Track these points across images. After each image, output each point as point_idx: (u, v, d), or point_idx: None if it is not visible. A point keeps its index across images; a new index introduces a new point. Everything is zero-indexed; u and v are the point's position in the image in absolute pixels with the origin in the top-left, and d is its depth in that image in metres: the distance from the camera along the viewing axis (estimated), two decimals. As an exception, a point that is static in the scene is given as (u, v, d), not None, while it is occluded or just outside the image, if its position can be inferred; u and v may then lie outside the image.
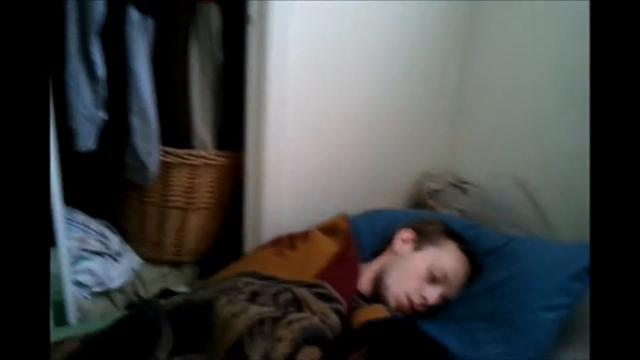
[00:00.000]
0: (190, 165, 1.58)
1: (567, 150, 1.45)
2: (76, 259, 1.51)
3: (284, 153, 1.52)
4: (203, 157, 1.59)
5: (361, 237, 1.48)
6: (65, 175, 1.34)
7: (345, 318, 1.09)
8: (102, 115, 1.39)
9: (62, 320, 1.42)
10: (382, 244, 1.40)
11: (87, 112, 1.35)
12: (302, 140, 1.53)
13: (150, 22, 1.43)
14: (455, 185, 1.75)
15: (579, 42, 1.27)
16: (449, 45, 1.69)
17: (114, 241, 1.63)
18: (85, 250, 1.55)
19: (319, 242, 1.35)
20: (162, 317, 0.97)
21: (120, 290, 1.67)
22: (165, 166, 1.56)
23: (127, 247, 1.68)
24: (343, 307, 1.10)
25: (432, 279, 1.22)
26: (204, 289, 1.19)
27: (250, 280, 1.14)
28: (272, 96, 1.42)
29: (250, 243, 1.62)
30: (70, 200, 1.54)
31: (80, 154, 1.41)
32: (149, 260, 1.75)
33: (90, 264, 1.54)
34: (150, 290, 1.74)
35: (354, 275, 1.25)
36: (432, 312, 1.22)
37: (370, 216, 1.59)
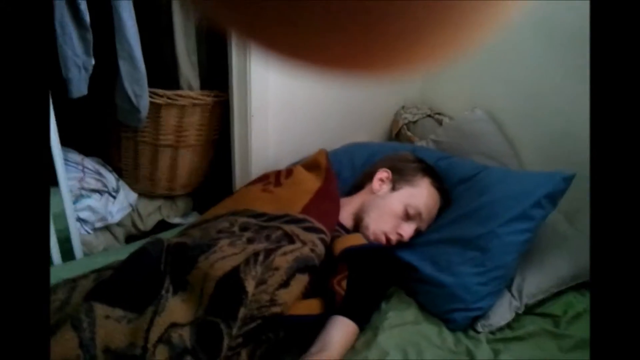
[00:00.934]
0: (179, 105, 1.65)
1: (534, 85, 1.54)
2: (77, 198, 1.60)
3: (268, 92, 1.58)
4: (190, 97, 1.65)
5: (341, 171, 1.60)
6: (59, 118, 1.41)
7: (328, 247, 1.22)
8: (92, 61, 1.44)
9: (69, 255, 1.53)
10: (361, 179, 1.51)
11: (79, 59, 1.39)
12: (285, 80, 1.60)
13: (131, -35, 1.45)
14: (430, 117, 1.84)
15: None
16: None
17: (110, 179, 1.72)
18: (84, 188, 1.64)
19: (302, 179, 1.44)
20: (165, 256, 1.06)
21: (120, 224, 1.78)
22: (155, 107, 1.62)
23: (123, 184, 1.77)
24: (327, 237, 1.22)
25: (407, 217, 1.35)
26: (200, 226, 1.30)
27: (244, 219, 1.25)
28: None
29: (239, 177, 1.72)
30: (65, 142, 1.61)
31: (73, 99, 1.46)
32: (144, 195, 1.85)
33: (90, 202, 1.63)
34: (147, 222, 1.86)
35: (336, 209, 1.36)
36: (406, 242, 1.36)
37: (349, 150, 1.69)
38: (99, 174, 1.70)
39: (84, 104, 1.58)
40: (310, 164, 1.52)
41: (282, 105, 1.64)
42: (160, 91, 1.60)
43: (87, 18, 1.39)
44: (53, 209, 1.45)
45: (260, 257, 1.05)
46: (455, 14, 0.22)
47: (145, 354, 0.85)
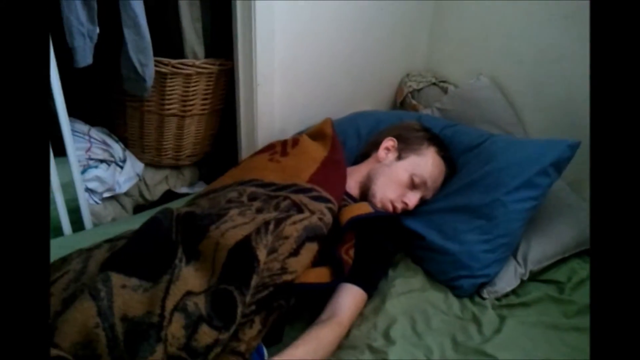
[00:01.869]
0: (184, 74, 1.64)
1: (540, 52, 1.54)
2: (84, 168, 1.61)
3: (273, 60, 1.58)
4: (195, 65, 1.65)
5: (347, 140, 1.60)
6: (66, 88, 1.41)
7: (336, 215, 1.23)
8: (97, 29, 1.43)
9: (78, 225, 1.55)
10: (367, 147, 1.52)
11: (84, 28, 1.37)
12: (290, 48, 1.59)
13: None
14: (435, 85, 1.84)
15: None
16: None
17: (117, 149, 1.72)
18: (91, 159, 1.64)
19: (308, 148, 1.44)
20: (175, 225, 1.07)
21: (127, 194, 1.79)
22: (161, 76, 1.61)
23: (130, 154, 1.77)
24: (335, 206, 1.23)
25: (413, 185, 1.36)
26: (208, 196, 1.31)
27: (252, 189, 1.26)
28: (259, 4, 1.46)
29: (245, 146, 1.73)
30: (71, 112, 1.61)
31: (78, 68, 1.46)
32: (150, 164, 1.85)
33: (98, 172, 1.64)
34: (154, 192, 1.87)
35: (342, 177, 1.37)
36: (411, 210, 1.37)
37: (354, 118, 1.69)
38: (106, 144, 1.70)
39: (89, 74, 1.57)
40: (316, 133, 1.52)
41: (288, 74, 1.64)
42: (165, 60, 1.60)
43: (91, -15, 1.37)
44: (61, 179, 1.46)
45: (271, 226, 1.07)
46: None
47: (162, 322, 0.86)
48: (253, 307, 0.99)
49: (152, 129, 1.75)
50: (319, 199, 1.22)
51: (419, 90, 1.88)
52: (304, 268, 1.08)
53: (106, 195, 1.70)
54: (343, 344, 1.08)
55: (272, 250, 1.05)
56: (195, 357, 0.87)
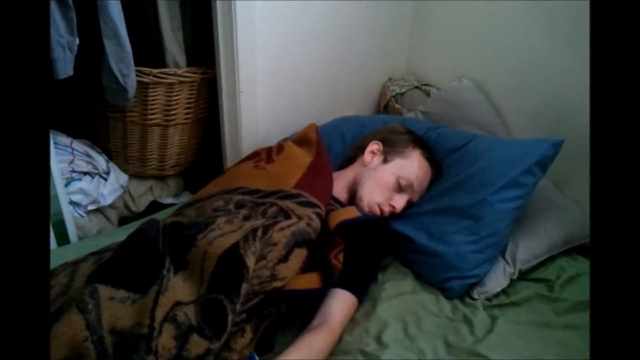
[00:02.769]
0: (166, 83, 1.63)
1: (521, 53, 1.55)
2: (67, 181, 1.59)
3: (255, 68, 1.58)
4: (177, 74, 1.64)
5: (332, 145, 1.60)
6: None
7: (323, 220, 1.22)
8: (76, 40, 1.41)
9: (63, 238, 1.53)
10: (352, 152, 1.52)
11: (63, 39, 1.36)
12: (272, 55, 1.59)
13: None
14: (418, 88, 1.85)
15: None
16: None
17: (100, 160, 1.71)
18: (74, 171, 1.62)
19: (293, 154, 1.44)
20: (162, 236, 1.06)
21: (112, 206, 1.77)
22: (143, 86, 1.60)
23: (113, 165, 1.75)
24: (322, 211, 1.23)
25: (399, 188, 1.37)
26: (194, 205, 1.30)
27: (239, 197, 1.25)
28: (240, 12, 1.46)
29: (229, 154, 1.72)
30: (53, 124, 1.59)
31: (59, 80, 1.44)
32: (134, 176, 1.84)
33: (81, 184, 1.62)
34: (139, 203, 1.85)
35: (329, 182, 1.37)
36: (399, 213, 1.37)
37: (339, 123, 1.70)
38: (89, 156, 1.68)
39: (70, 85, 1.56)
40: (301, 139, 1.52)
41: (270, 81, 1.64)
42: (146, 69, 1.59)
43: (70, -3, 1.36)
44: (44, 193, 1.44)
45: (259, 233, 1.06)
46: None
47: (152, 333, 0.85)
48: (244, 316, 0.98)
49: (136, 140, 1.73)
50: (306, 204, 1.21)
51: (402, 94, 1.88)
52: (293, 274, 1.07)
53: (91, 207, 1.67)
54: (335, 350, 1.08)
55: (261, 257, 1.04)
56: (187, 368, 0.86)
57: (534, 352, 1.08)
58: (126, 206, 1.82)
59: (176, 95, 1.68)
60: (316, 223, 1.17)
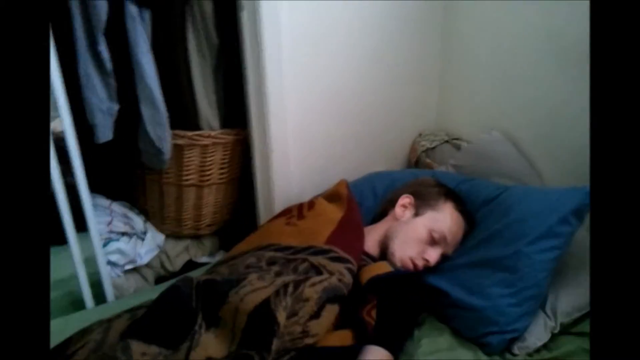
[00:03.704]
0: (201, 145, 1.68)
1: (549, 102, 1.55)
2: (106, 241, 1.63)
3: (287, 126, 1.61)
4: (211, 136, 1.69)
5: (363, 200, 1.60)
6: (87, 164, 1.45)
7: (355, 276, 1.21)
8: (115, 106, 1.49)
9: (101, 298, 1.55)
10: (384, 206, 1.52)
11: (104, 105, 1.44)
12: (302, 114, 1.63)
13: (147, 14, 1.50)
14: (448, 142, 1.85)
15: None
16: (430, 10, 1.78)
17: (137, 221, 1.75)
18: (112, 232, 1.67)
19: (324, 210, 1.45)
20: (195, 293, 1.08)
21: (149, 265, 1.80)
22: (178, 148, 1.66)
23: (150, 226, 1.80)
24: (354, 266, 1.22)
25: (433, 241, 1.35)
26: (227, 263, 1.31)
27: (270, 253, 1.26)
28: (269, 74, 1.51)
29: (263, 213, 1.74)
30: (93, 187, 1.65)
31: (99, 144, 1.51)
32: (170, 235, 1.87)
33: (119, 244, 1.66)
34: (175, 263, 1.87)
35: (360, 237, 1.36)
36: (433, 267, 1.35)
37: (370, 179, 1.70)
38: (127, 217, 1.73)
39: (109, 149, 1.62)
40: (332, 195, 1.53)
41: (302, 140, 1.67)
42: (181, 132, 1.64)
43: (109, 65, 1.44)
44: (84, 253, 1.48)
45: (290, 288, 1.06)
46: None
47: (183, 390, 0.85)
48: (276, 373, 0.96)
49: (172, 201, 1.77)
50: (337, 259, 1.21)
51: (432, 149, 1.89)
52: (325, 330, 1.06)
53: (128, 267, 1.71)
54: (371, 409, 1.04)
55: (292, 314, 1.03)
56: None
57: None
58: (162, 266, 1.84)
59: (210, 157, 1.73)
60: (348, 278, 1.16)
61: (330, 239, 1.30)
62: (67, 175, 1.44)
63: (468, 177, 1.62)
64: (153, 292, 1.45)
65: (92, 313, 1.39)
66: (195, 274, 1.38)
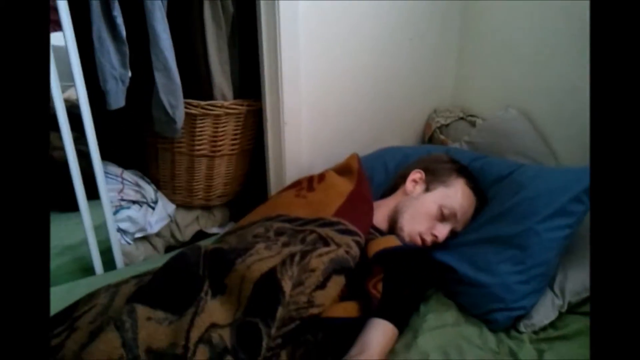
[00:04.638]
0: (214, 115, 1.68)
1: (567, 81, 1.52)
2: (116, 209, 1.64)
3: (300, 99, 1.60)
4: (224, 107, 1.68)
5: (374, 175, 1.60)
6: (99, 132, 1.45)
7: (362, 248, 1.21)
8: (128, 74, 1.48)
9: (110, 265, 1.57)
10: (394, 181, 1.51)
11: (116, 72, 1.43)
12: (316, 86, 1.61)
13: (164, -19, 1.49)
14: (463, 119, 1.83)
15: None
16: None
17: (149, 190, 1.76)
18: (123, 200, 1.68)
19: (334, 183, 1.44)
20: (202, 261, 1.08)
21: (159, 234, 1.81)
22: (191, 117, 1.65)
23: (161, 195, 1.80)
24: (362, 239, 1.21)
25: (442, 217, 1.34)
26: (236, 233, 1.31)
27: (279, 224, 1.25)
28: (285, 45, 1.50)
29: (274, 185, 1.74)
30: (105, 155, 1.65)
31: (110, 111, 1.51)
32: (181, 205, 1.88)
33: (130, 212, 1.67)
34: (185, 232, 1.89)
35: (369, 211, 1.35)
36: (441, 243, 1.34)
37: (382, 154, 1.69)
38: (138, 185, 1.74)
39: (121, 117, 1.62)
40: (343, 168, 1.52)
41: (314, 112, 1.66)
42: (194, 102, 1.64)
43: (124, 32, 1.44)
44: (95, 220, 1.49)
45: (297, 258, 1.06)
46: None
47: (187, 354, 0.86)
48: (279, 341, 0.97)
49: (183, 170, 1.78)
50: (345, 232, 1.20)
51: (447, 126, 1.87)
52: (331, 301, 1.06)
53: (138, 235, 1.72)
54: (374, 381, 1.05)
55: (298, 283, 1.03)
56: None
57: (584, 389, 1.03)
58: (172, 235, 1.85)
59: (223, 127, 1.72)
60: (355, 251, 1.16)
61: (339, 211, 1.29)
62: (80, 142, 1.45)
63: (481, 155, 1.60)
64: (162, 260, 1.44)
65: (100, 279, 1.40)
66: (204, 243, 1.39)
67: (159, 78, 1.53)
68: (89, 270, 1.53)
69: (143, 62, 1.50)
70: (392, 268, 1.22)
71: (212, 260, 1.08)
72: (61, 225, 1.63)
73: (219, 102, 1.68)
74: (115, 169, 1.72)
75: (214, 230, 1.95)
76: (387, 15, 1.66)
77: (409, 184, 1.42)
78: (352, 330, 1.11)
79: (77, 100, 1.37)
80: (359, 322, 1.12)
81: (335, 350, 1.09)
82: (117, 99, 1.46)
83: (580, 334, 1.18)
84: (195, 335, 0.89)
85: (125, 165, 1.80)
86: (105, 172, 1.61)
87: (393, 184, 1.50)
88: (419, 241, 1.33)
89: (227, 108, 1.69)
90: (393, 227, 1.37)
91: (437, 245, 1.34)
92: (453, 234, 1.35)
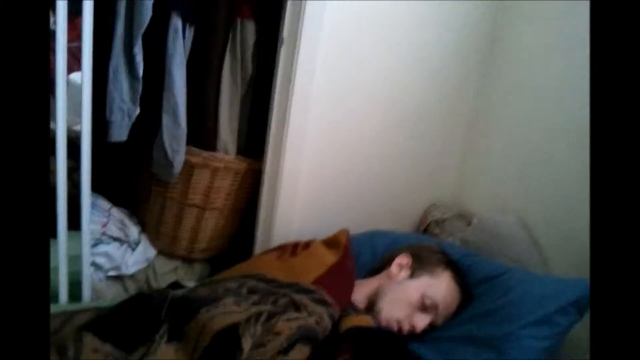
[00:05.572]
0: (213, 167, 1.67)
1: (570, 193, 1.51)
2: (97, 242, 1.60)
3: (301, 166, 1.60)
4: (225, 160, 1.68)
5: (362, 254, 1.56)
6: (95, 163, 1.44)
7: (335, 323, 1.16)
8: (137, 110, 1.49)
9: (77, 298, 1.51)
10: (380, 262, 1.47)
11: (125, 105, 1.44)
12: (319, 157, 1.63)
13: (191, 31, 1.54)
14: (461, 216, 1.81)
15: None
16: (462, 83, 1.79)
17: (133, 230, 1.72)
18: (105, 234, 1.64)
19: (318, 252, 1.40)
20: (167, 305, 1.04)
21: (133, 277, 1.75)
22: (189, 165, 1.65)
23: (144, 238, 1.77)
24: (336, 312, 1.17)
25: (423, 307, 1.29)
26: (210, 286, 1.27)
27: (253, 282, 1.21)
28: (295, 111, 1.52)
29: (259, 247, 1.70)
30: (97, 187, 1.64)
31: (110, 144, 1.50)
32: (163, 253, 1.83)
33: (108, 248, 1.63)
34: (161, 281, 1.82)
35: (349, 286, 1.31)
36: (417, 334, 1.28)
37: (372, 235, 1.66)
38: (123, 223, 1.71)
39: (121, 152, 1.62)
40: (330, 241, 1.49)
41: (313, 182, 1.65)
42: (196, 150, 1.64)
43: (141, 70, 1.46)
44: (70, 251, 1.44)
45: (262, 318, 1.01)
46: None
47: (125, 395, 0.80)
48: (228, 402, 0.90)
49: (171, 217, 1.75)
50: (320, 302, 1.16)
51: (443, 220, 1.85)
52: (290, 373, 1.00)
53: (112, 273, 1.67)
54: None
55: (259, 344, 0.98)
56: None
57: None
58: (147, 281, 1.79)
59: (220, 181, 1.71)
60: (326, 323, 1.11)
61: (318, 280, 1.26)
62: (75, 172, 1.43)
63: (473, 253, 1.57)
64: (129, 302, 1.41)
65: (61, 308, 1.34)
66: (175, 291, 1.34)
67: (166, 120, 1.54)
68: (53, 299, 1.46)
69: (153, 102, 1.52)
70: (362, 350, 1.16)
71: (176, 306, 1.04)
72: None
73: (220, 155, 1.68)
74: (105, 203, 1.70)
75: (191, 284, 1.88)
76: (396, 107, 1.70)
77: (394, 267, 1.38)
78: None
79: (80, 131, 1.36)
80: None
81: None
82: (120, 132, 1.47)
83: None
84: (138, 377, 0.83)
85: (115, 201, 1.77)
86: (93, 204, 1.59)
87: (378, 266, 1.46)
88: (395, 327, 1.27)
89: (227, 162, 1.69)
90: (371, 308, 1.31)
91: (412, 336, 1.28)
92: (431, 327, 1.30)
